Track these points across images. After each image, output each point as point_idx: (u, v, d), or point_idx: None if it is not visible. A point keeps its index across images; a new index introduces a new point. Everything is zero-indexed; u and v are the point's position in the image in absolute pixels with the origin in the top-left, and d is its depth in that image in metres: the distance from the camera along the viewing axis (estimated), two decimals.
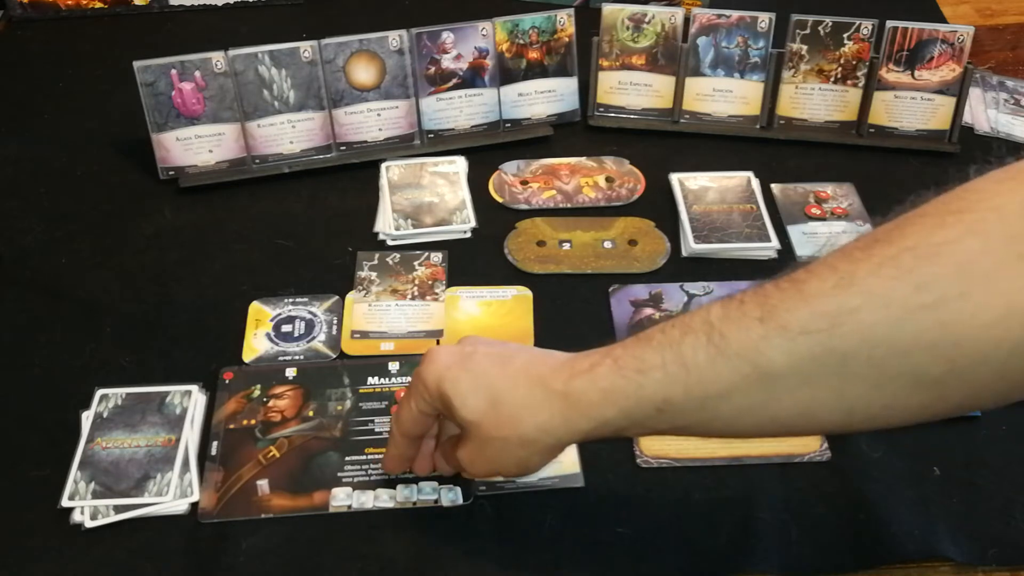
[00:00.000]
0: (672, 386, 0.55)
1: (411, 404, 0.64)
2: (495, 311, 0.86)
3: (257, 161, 0.99)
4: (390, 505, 0.71)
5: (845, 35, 1.00)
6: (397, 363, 0.81)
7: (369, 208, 0.96)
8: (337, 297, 0.86)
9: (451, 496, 0.71)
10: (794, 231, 0.94)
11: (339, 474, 0.73)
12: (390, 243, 0.92)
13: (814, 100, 1.03)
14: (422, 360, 0.64)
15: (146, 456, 0.73)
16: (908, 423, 0.55)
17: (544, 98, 1.05)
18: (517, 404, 0.60)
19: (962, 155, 1.02)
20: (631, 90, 1.05)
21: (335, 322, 0.84)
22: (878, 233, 0.53)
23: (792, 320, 0.52)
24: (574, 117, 1.07)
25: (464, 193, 0.97)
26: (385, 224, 0.94)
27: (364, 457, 0.74)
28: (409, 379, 0.78)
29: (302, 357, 0.81)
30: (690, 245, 0.91)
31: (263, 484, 0.72)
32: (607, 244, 0.92)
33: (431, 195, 0.97)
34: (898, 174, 1.01)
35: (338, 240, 0.92)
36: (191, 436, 0.75)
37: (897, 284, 0.50)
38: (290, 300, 0.86)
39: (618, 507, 0.71)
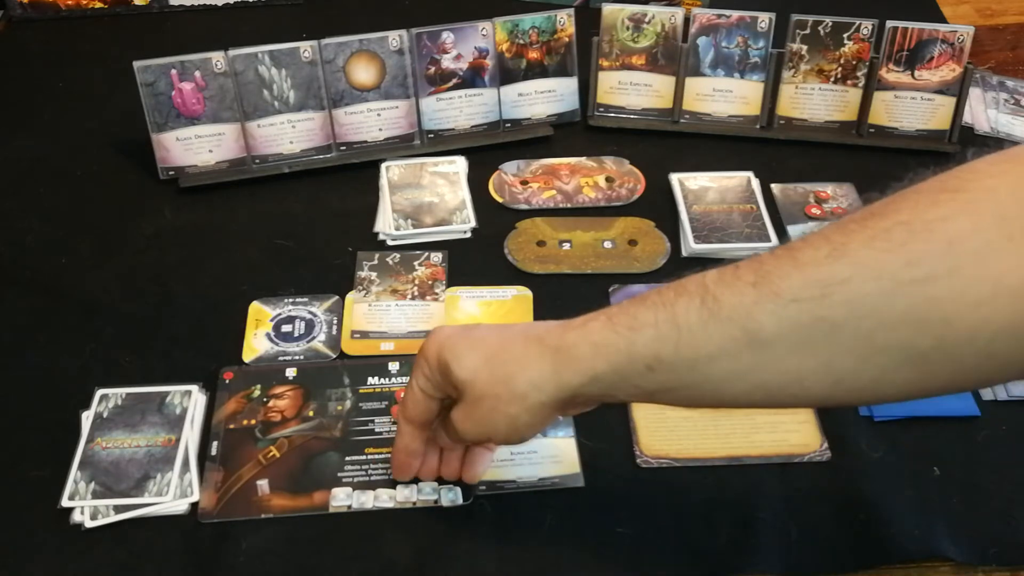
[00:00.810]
0: (663, 344, 0.55)
1: (413, 384, 0.65)
2: (495, 311, 0.86)
3: (257, 161, 0.99)
4: (390, 505, 0.71)
5: (845, 35, 1.00)
6: (397, 363, 0.81)
7: (369, 208, 0.96)
8: (337, 297, 0.86)
9: (451, 496, 0.71)
10: (794, 231, 0.94)
11: (339, 474, 0.73)
12: (390, 243, 0.92)
13: (814, 100, 1.03)
14: (426, 338, 0.65)
15: (146, 456, 0.73)
16: (895, 399, 0.55)
17: (544, 98, 1.05)
18: (511, 361, 0.60)
19: (962, 155, 1.02)
20: (631, 90, 1.05)
21: (335, 322, 0.84)
22: (874, 207, 0.54)
23: (784, 287, 0.52)
24: (574, 117, 1.07)
25: (464, 193, 0.97)
26: (385, 224, 0.94)
27: (364, 457, 0.74)
28: (408, 378, 0.78)
29: (302, 357, 0.81)
30: (690, 245, 0.91)
31: (263, 484, 0.72)
32: (607, 244, 0.92)
33: (431, 195, 0.97)
34: (898, 174, 1.00)
35: (338, 240, 0.92)
36: (191, 436, 0.75)
37: (889, 257, 0.50)
38: (290, 300, 0.86)
39: (618, 507, 0.71)
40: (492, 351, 0.61)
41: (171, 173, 0.98)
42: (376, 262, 0.90)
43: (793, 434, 0.75)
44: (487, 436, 0.65)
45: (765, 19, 1.01)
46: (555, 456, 0.74)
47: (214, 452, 0.74)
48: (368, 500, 0.71)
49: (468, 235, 0.94)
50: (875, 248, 0.51)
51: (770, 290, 0.53)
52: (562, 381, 0.59)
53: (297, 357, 0.81)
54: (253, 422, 0.76)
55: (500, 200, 0.97)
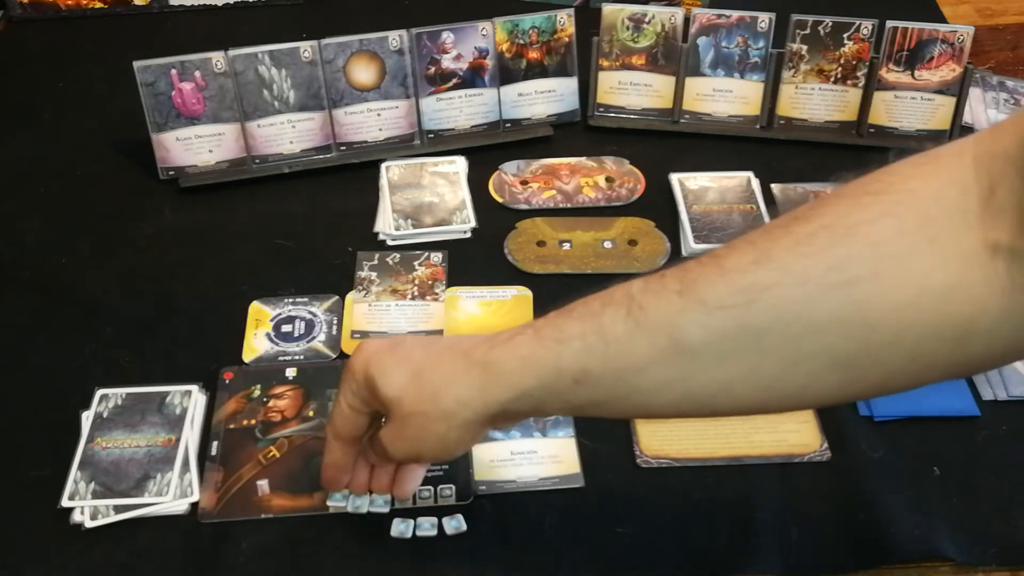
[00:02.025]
0: (590, 357, 0.54)
1: (341, 400, 0.63)
2: (495, 311, 0.86)
3: (257, 161, 0.99)
4: (385, 510, 0.69)
5: (845, 35, 1.00)
6: None
7: (369, 208, 0.96)
8: (337, 297, 0.86)
9: (454, 524, 0.69)
10: None
11: None
12: (390, 243, 0.92)
13: (814, 100, 1.03)
14: (353, 352, 0.63)
15: (146, 456, 0.73)
16: (825, 404, 0.55)
17: (544, 98, 1.05)
18: (437, 377, 0.58)
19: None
20: (631, 90, 1.05)
21: (335, 322, 0.84)
22: (798, 212, 0.53)
23: (710, 294, 0.52)
24: (574, 117, 1.07)
25: (464, 193, 0.97)
26: (385, 224, 0.94)
27: None
28: None
29: (302, 357, 0.81)
30: (690, 245, 0.91)
31: (263, 484, 0.72)
32: (607, 244, 0.92)
33: (431, 195, 0.97)
34: None
35: (338, 240, 0.92)
36: (191, 436, 0.75)
37: (812, 262, 0.50)
38: (290, 300, 0.86)
39: (618, 507, 0.71)
40: (419, 367, 0.59)
41: (171, 173, 0.98)
42: (376, 262, 0.90)
43: (793, 434, 0.75)
44: (417, 454, 0.63)
45: (765, 19, 1.01)
46: (555, 456, 0.74)
47: (214, 452, 0.74)
48: (363, 504, 0.70)
49: (468, 235, 0.94)
50: (799, 253, 0.51)
51: (695, 298, 0.52)
52: (490, 397, 0.57)
53: (297, 357, 0.81)
54: (253, 422, 0.76)
55: (500, 200, 0.97)
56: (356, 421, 0.63)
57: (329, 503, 0.70)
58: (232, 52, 0.95)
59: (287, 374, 0.80)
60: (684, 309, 0.52)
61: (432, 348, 0.61)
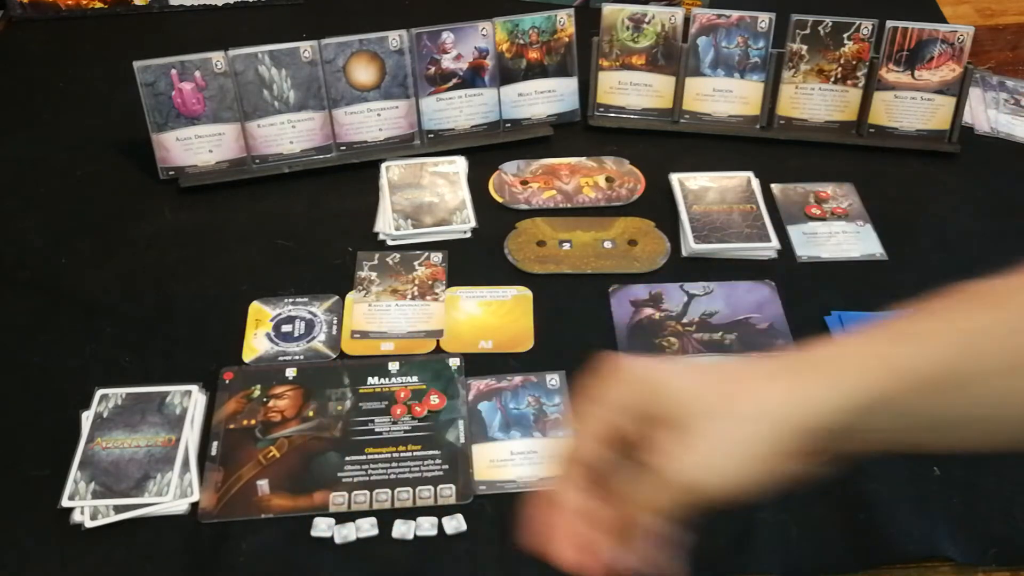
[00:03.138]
0: (949, 353, 0.45)
1: (597, 404, 0.50)
2: (495, 311, 0.86)
3: (257, 161, 0.99)
4: (374, 533, 0.69)
5: (845, 35, 1.00)
6: (397, 363, 0.81)
7: (369, 208, 0.96)
8: (337, 297, 0.86)
9: (454, 524, 0.69)
10: (794, 231, 0.94)
11: (339, 474, 0.72)
12: (390, 243, 0.92)
13: (814, 100, 1.03)
14: (605, 375, 0.49)
15: (146, 456, 0.73)
16: None
17: (544, 98, 1.05)
18: (746, 376, 0.47)
19: (962, 155, 1.02)
20: (631, 90, 1.05)
21: (335, 322, 0.84)
22: None
23: None
24: (574, 117, 1.07)
25: (464, 193, 0.97)
26: (385, 224, 0.94)
27: (364, 457, 0.74)
28: (408, 378, 0.78)
29: (302, 357, 0.81)
30: (690, 245, 0.91)
31: (263, 484, 0.72)
32: (607, 244, 0.92)
33: (431, 195, 0.97)
34: (898, 174, 1.01)
35: (338, 240, 0.92)
36: (191, 436, 0.75)
37: None
38: (290, 300, 0.86)
39: None
40: (718, 368, 0.49)
41: (171, 173, 0.98)
42: (376, 262, 0.90)
43: None
44: (701, 470, 0.49)
45: (765, 19, 1.01)
46: (555, 456, 0.73)
47: (214, 452, 0.74)
48: (351, 533, 0.69)
49: (468, 235, 0.94)
50: None
51: None
52: (808, 403, 0.45)
53: (297, 357, 0.81)
54: (253, 422, 0.76)
55: (500, 200, 0.97)
56: (617, 425, 0.49)
57: (313, 533, 0.69)
58: (232, 52, 0.95)
59: (287, 374, 0.80)
60: None
61: (726, 359, 0.54)
